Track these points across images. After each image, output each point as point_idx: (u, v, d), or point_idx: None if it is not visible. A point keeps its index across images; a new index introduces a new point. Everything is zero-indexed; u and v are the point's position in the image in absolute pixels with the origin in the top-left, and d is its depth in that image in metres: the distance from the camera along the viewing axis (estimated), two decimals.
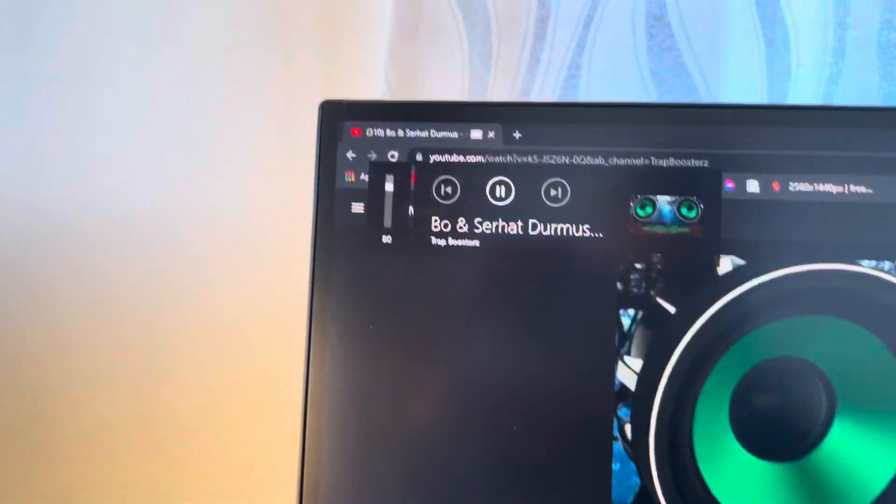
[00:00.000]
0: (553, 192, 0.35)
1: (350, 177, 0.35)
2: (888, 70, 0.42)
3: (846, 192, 0.33)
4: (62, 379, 0.61)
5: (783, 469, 0.32)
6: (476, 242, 0.35)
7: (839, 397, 0.32)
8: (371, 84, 0.55)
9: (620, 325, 0.34)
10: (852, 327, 0.32)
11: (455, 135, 0.35)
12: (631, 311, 0.34)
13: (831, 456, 0.32)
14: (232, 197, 0.58)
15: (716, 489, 0.33)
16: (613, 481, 0.33)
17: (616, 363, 0.34)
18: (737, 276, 0.33)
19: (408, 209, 0.35)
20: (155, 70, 0.59)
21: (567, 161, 0.34)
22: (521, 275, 0.34)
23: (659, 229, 0.34)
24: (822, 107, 0.33)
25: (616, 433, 0.33)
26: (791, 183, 0.33)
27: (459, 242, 0.35)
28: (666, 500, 0.33)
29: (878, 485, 0.32)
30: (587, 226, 0.34)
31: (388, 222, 0.35)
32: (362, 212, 0.35)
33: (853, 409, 0.32)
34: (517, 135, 0.35)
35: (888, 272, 0.32)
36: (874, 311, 0.32)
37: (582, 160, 0.34)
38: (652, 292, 0.33)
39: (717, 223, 0.33)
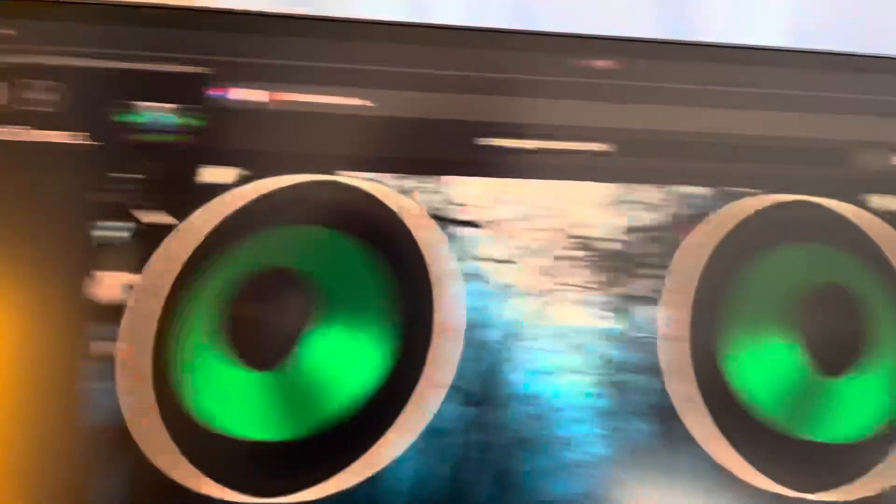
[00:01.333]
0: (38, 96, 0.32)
1: None
2: None
3: (344, 104, 0.33)
4: None
5: (266, 378, 0.32)
6: None
7: (321, 304, 0.33)
8: None
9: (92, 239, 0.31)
10: (329, 232, 0.33)
11: None
12: (114, 224, 0.32)
13: (311, 362, 0.32)
14: None
15: (197, 402, 0.31)
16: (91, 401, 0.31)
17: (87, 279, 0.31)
18: (228, 188, 0.32)
19: None
20: None
21: (50, 62, 0.32)
22: None
23: (148, 138, 0.32)
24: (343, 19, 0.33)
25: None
26: (285, 93, 0.33)
27: None
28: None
29: (362, 388, 0.32)
30: (68, 134, 0.32)
31: None
32: None
33: (336, 315, 0.33)
34: None
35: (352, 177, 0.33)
36: (342, 215, 0.33)
37: (68, 62, 0.32)
38: (137, 205, 0.32)
39: (208, 132, 0.32)
